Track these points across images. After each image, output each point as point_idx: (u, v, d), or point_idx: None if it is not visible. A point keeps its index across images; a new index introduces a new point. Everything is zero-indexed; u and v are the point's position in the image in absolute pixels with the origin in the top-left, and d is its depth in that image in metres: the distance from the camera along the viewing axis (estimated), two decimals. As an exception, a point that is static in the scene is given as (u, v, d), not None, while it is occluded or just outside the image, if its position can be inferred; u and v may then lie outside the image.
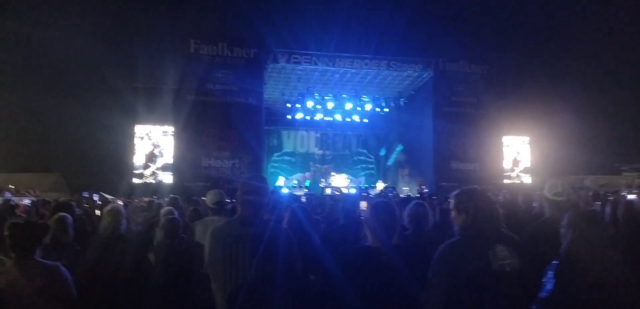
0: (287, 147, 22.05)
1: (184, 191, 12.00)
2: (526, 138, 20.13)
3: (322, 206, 6.67)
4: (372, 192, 15.03)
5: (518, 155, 20.10)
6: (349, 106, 19.15)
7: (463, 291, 2.03)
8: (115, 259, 3.44)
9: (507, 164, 19.60)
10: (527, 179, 19.67)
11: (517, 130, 19.58)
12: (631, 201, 3.72)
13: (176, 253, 3.78)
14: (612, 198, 5.25)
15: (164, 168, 17.55)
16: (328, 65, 16.70)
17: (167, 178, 17.21)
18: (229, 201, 4.69)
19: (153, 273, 3.73)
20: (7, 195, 11.49)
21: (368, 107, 19.33)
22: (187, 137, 15.92)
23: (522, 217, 4.08)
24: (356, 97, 19.04)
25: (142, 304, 3.60)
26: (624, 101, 19.45)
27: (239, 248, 2.27)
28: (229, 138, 15.93)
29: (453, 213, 2.30)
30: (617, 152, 18.32)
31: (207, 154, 15.85)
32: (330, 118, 19.82)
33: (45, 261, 2.61)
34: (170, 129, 17.38)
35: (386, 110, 19.73)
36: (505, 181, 18.55)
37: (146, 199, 9.75)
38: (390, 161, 22.13)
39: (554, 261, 2.33)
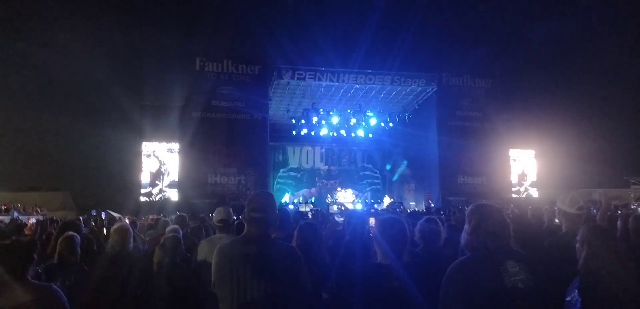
0: (293, 163, 22.06)
1: (190, 208, 12.02)
2: (532, 152, 20.01)
3: (327, 222, 6.61)
4: (379, 207, 14.94)
5: (525, 169, 19.96)
6: (353, 121, 19.17)
7: None
8: (122, 278, 3.43)
9: (514, 178, 19.46)
10: (534, 193, 19.49)
11: (522, 144, 19.47)
12: (643, 214, 3.67)
13: (182, 271, 3.76)
14: (621, 211, 5.18)
15: (170, 185, 17.61)
16: (332, 81, 16.78)
17: (173, 195, 17.25)
18: (235, 218, 4.67)
19: (160, 292, 3.70)
20: (15, 214, 11.57)
21: (373, 121, 19.35)
22: (193, 153, 15.99)
23: (533, 232, 4.02)
24: (361, 112, 19.07)
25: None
26: (631, 114, 19.34)
27: (246, 267, 2.24)
28: (234, 155, 15.98)
29: (464, 229, 2.26)
30: (625, 164, 18.14)
31: (213, 171, 15.89)
32: (335, 134, 19.84)
33: (37, 282, 2.57)
34: (175, 146, 17.47)
35: (391, 124, 19.73)
36: (513, 195, 18.40)
37: (153, 217, 9.74)
38: (395, 177, 22.05)
39: (574, 278, 2.29)
